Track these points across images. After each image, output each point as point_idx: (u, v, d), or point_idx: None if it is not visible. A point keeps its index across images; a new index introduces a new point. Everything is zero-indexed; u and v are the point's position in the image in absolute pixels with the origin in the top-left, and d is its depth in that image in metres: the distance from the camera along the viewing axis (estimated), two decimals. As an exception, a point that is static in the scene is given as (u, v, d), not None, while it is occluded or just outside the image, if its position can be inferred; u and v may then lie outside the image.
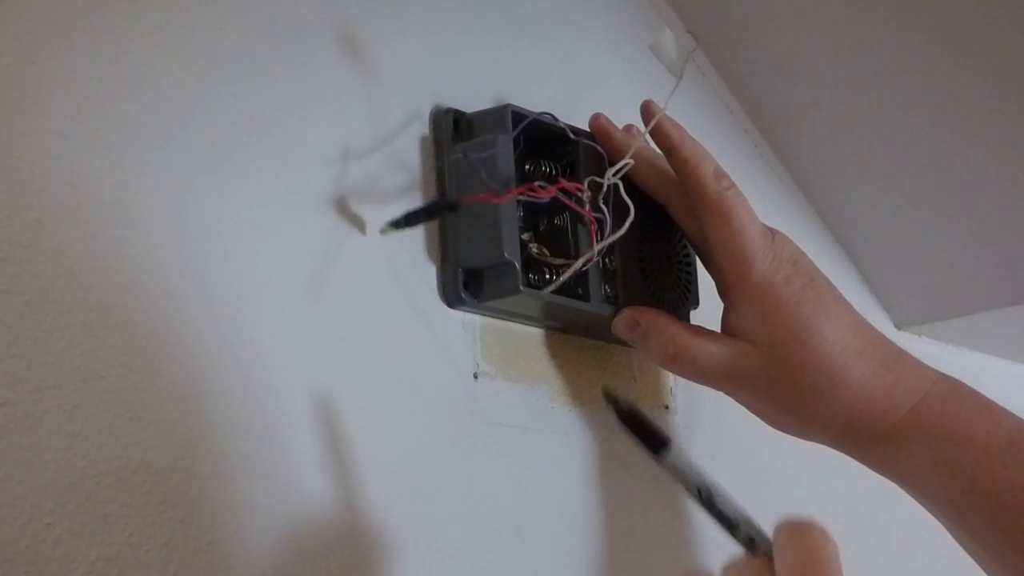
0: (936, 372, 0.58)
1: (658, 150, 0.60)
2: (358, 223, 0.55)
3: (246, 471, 0.48)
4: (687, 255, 0.64)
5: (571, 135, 0.59)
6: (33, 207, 0.42)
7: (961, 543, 0.58)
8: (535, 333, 0.62)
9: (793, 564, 0.46)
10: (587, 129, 0.61)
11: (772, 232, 0.59)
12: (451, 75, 0.62)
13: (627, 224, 0.56)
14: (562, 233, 0.58)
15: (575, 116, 0.61)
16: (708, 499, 0.47)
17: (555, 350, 0.63)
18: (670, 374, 0.68)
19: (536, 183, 0.55)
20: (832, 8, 0.75)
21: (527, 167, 0.59)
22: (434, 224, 0.58)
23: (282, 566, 0.48)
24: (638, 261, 0.62)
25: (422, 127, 0.59)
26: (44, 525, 0.40)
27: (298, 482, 0.50)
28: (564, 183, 0.56)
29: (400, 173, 0.58)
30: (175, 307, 0.46)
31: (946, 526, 0.58)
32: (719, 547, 0.73)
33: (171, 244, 0.47)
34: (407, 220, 0.54)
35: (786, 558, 0.46)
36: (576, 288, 0.58)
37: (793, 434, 0.60)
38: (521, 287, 0.56)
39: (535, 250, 0.58)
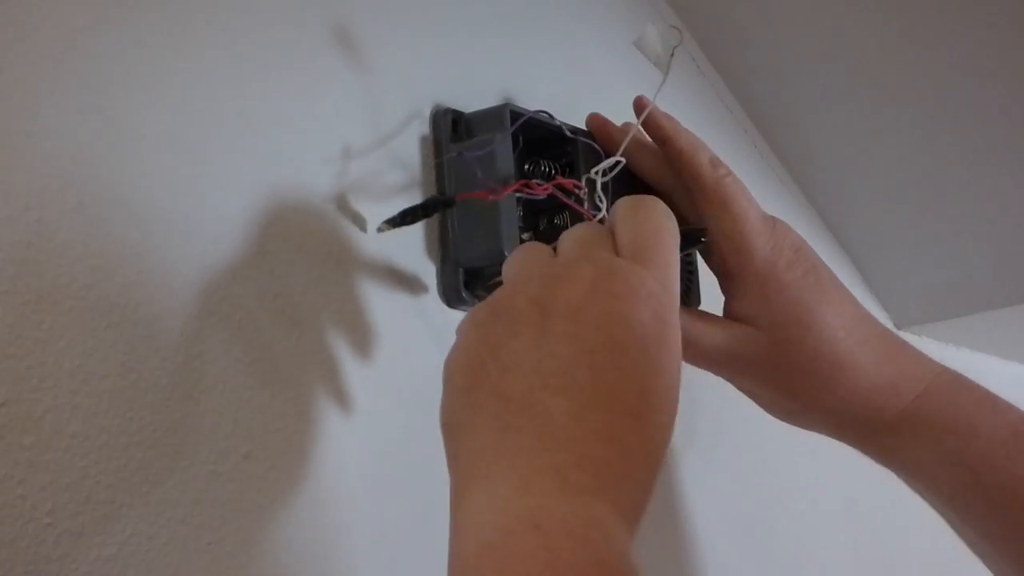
0: (939, 364, 0.58)
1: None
2: (358, 222, 0.55)
3: (246, 471, 0.48)
4: (688, 252, 0.64)
5: (568, 133, 0.59)
6: (33, 207, 0.42)
7: (963, 535, 0.58)
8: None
9: (635, 236, 0.44)
10: (585, 128, 0.61)
11: (773, 219, 0.59)
12: (451, 75, 0.62)
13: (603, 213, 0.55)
14: (562, 232, 0.58)
15: (575, 116, 0.61)
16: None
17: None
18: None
19: (533, 180, 0.55)
20: (832, 8, 0.75)
21: (526, 167, 0.59)
22: (434, 224, 0.58)
23: (282, 566, 0.48)
24: None
25: (422, 126, 0.59)
26: (44, 525, 0.40)
27: (298, 482, 0.50)
28: (561, 180, 0.56)
29: (400, 172, 0.58)
30: (175, 307, 0.46)
31: (947, 518, 0.58)
32: (711, 547, 0.73)
33: (172, 244, 0.47)
34: (403, 218, 0.54)
35: (627, 230, 0.45)
36: None
37: (794, 422, 0.60)
38: None
39: None
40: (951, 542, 0.59)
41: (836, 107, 0.82)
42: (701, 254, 0.63)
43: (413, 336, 0.57)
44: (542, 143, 0.60)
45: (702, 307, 0.64)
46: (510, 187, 0.55)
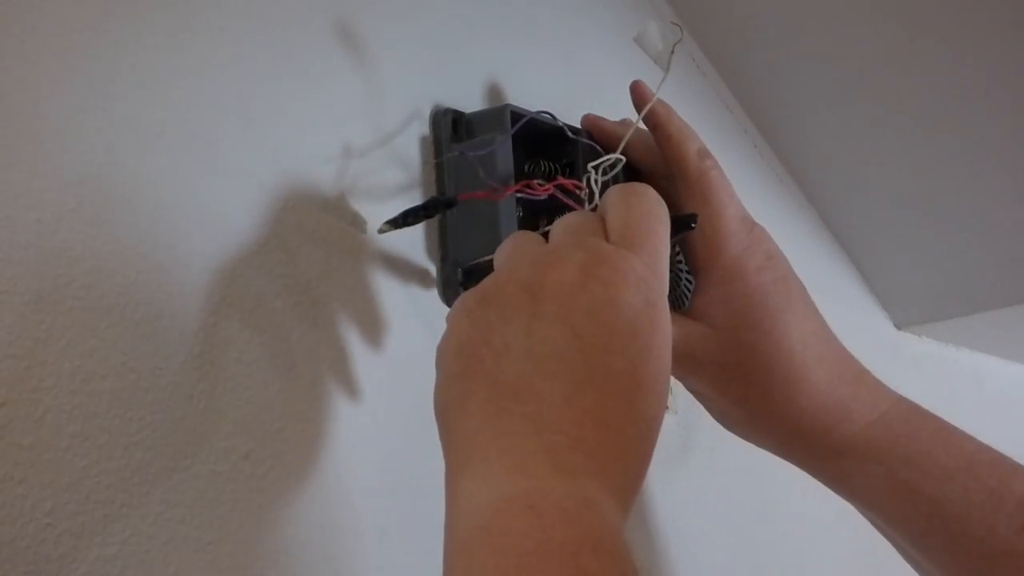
0: (896, 394, 0.57)
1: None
2: (358, 222, 0.55)
3: (247, 471, 0.48)
4: (678, 238, 0.64)
5: (569, 134, 0.59)
6: (33, 207, 0.42)
7: (915, 564, 0.57)
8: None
9: (625, 222, 0.45)
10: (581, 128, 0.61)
11: (753, 222, 0.58)
12: (451, 75, 0.62)
13: (595, 202, 0.55)
14: None
15: (575, 116, 0.61)
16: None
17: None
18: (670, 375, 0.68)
19: (535, 181, 0.55)
20: (832, 8, 0.75)
21: (527, 167, 0.59)
22: (434, 223, 0.58)
23: (282, 566, 0.48)
24: None
25: (422, 127, 0.59)
26: (44, 525, 0.40)
27: (298, 481, 0.50)
28: (562, 180, 0.56)
29: (400, 173, 0.58)
30: (175, 307, 0.46)
31: (899, 546, 0.57)
32: (711, 547, 0.73)
33: (172, 244, 0.47)
34: (404, 218, 0.54)
35: (617, 216, 0.45)
36: None
37: (740, 432, 0.58)
38: None
39: None
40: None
41: (836, 107, 0.81)
42: (679, 246, 0.62)
43: (413, 335, 0.57)
44: (543, 143, 0.59)
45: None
46: (511, 187, 0.55)
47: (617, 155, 0.54)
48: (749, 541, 0.78)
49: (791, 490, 0.82)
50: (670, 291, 0.62)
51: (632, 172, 0.60)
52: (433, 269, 0.58)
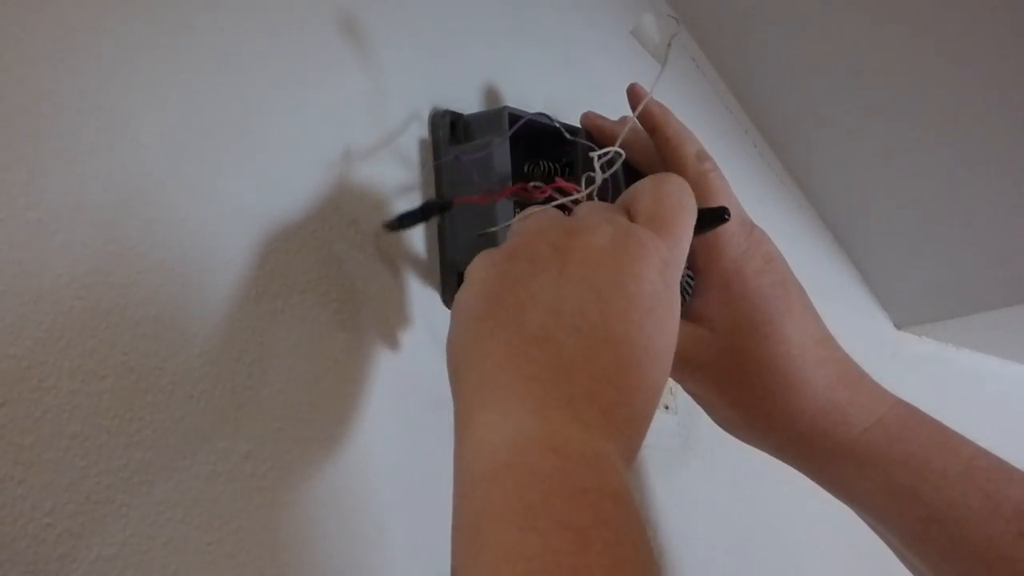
0: (894, 397, 0.57)
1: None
2: (358, 223, 0.55)
3: (246, 471, 0.48)
4: (708, 231, 0.64)
5: (567, 135, 0.59)
6: (33, 207, 0.42)
7: (912, 569, 0.57)
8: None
9: (654, 206, 0.46)
10: (580, 127, 0.61)
11: (752, 225, 0.58)
12: (451, 76, 0.62)
13: (595, 185, 0.55)
14: None
15: (574, 116, 0.61)
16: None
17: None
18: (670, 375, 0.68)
19: (532, 184, 0.55)
20: (833, 8, 0.75)
21: (526, 167, 0.59)
22: (433, 225, 0.58)
23: (282, 566, 0.48)
24: None
25: (421, 128, 0.59)
26: (44, 525, 0.40)
27: (298, 481, 0.50)
28: (560, 182, 0.56)
29: (400, 174, 0.58)
30: (175, 307, 0.46)
31: (896, 550, 0.57)
32: (711, 547, 0.73)
33: (172, 244, 0.47)
34: (401, 222, 0.54)
35: (647, 200, 0.47)
36: None
37: (738, 435, 0.59)
38: None
39: None
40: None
41: (837, 107, 0.81)
42: None
43: (413, 336, 0.57)
44: (541, 143, 0.59)
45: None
46: (508, 190, 0.55)
47: (616, 148, 0.54)
48: (749, 541, 0.78)
49: (791, 490, 0.82)
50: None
51: (632, 173, 0.60)
52: (432, 269, 0.58)
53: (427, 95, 0.60)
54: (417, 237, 0.58)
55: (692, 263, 0.58)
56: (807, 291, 0.59)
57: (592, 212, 0.47)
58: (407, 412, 0.55)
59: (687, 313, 0.58)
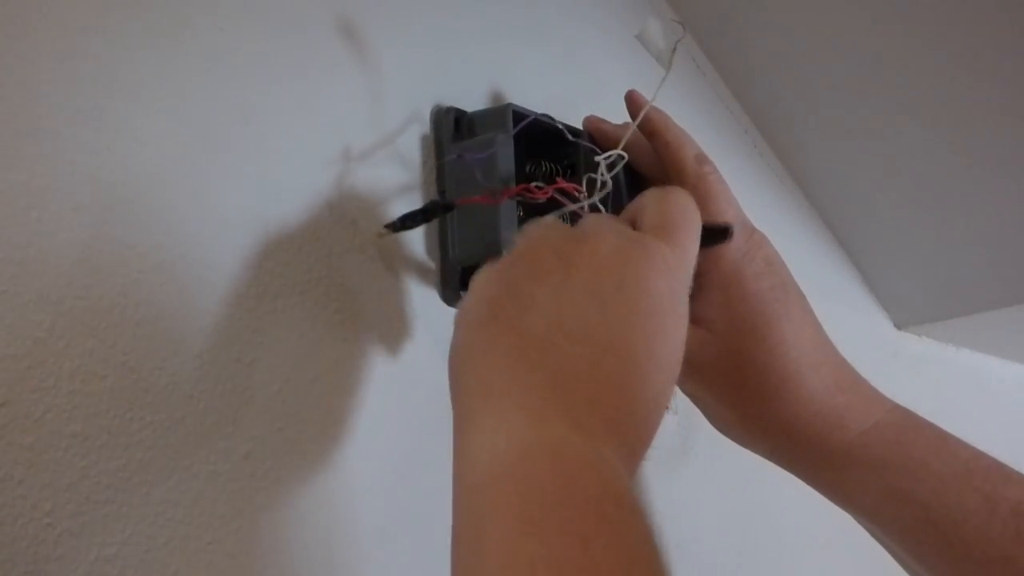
0: (891, 402, 0.57)
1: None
2: (359, 223, 0.55)
3: (246, 471, 0.48)
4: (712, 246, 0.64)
5: (569, 136, 0.59)
6: (33, 207, 0.42)
7: (911, 572, 0.57)
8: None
9: (660, 216, 0.47)
10: (583, 130, 0.61)
11: (752, 228, 0.58)
12: (451, 75, 0.62)
13: (603, 193, 0.55)
14: None
15: (575, 116, 0.61)
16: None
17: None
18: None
19: (533, 184, 0.55)
20: (832, 8, 0.75)
21: (528, 167, 0.59)
22: (434, 225, 0.58)
23: (282, 566, 0.48)
24: None
25: (422, 127, 0.59)
26: (44, 525, 0.40)
27: (298, 482, 0.50)
28: (562, 183, 0.56)
29: (401, 173, 0.58)
30: (175, 307, 0.46)
31: (894, 553, 0.57)
32: (711, 547, 0.73)
33: (172, 244, 0.47)
34: (403, 222, 0.54)
35: (653, 210, 0.47)
36: None
37: (733, 437, 0.59)
38: None
39: None
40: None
41: (836, 107, 0.81)
42: None
43: (413, 336, 0.57)
44: (544, 143, 0.59)
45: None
46: (510, 192, 0.55)
47: (619, 151, 0.55)
48: (749, 540, 0.78)
49: (791, 490, 0.82)
50: None
51: (634, 176, 0.60)
52: (432, 268, 0.58)
53: (428, 95, 0.60)
54: (417, 237, 0.58)
55: (695, 266, 0.58)
56: (807, 291, 0.59)
57: (598, 221, 0.47)
58: (407, 412, 0.55)
59: (689, 315, 0.58)
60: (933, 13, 0.71)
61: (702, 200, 0.56)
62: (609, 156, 0.54)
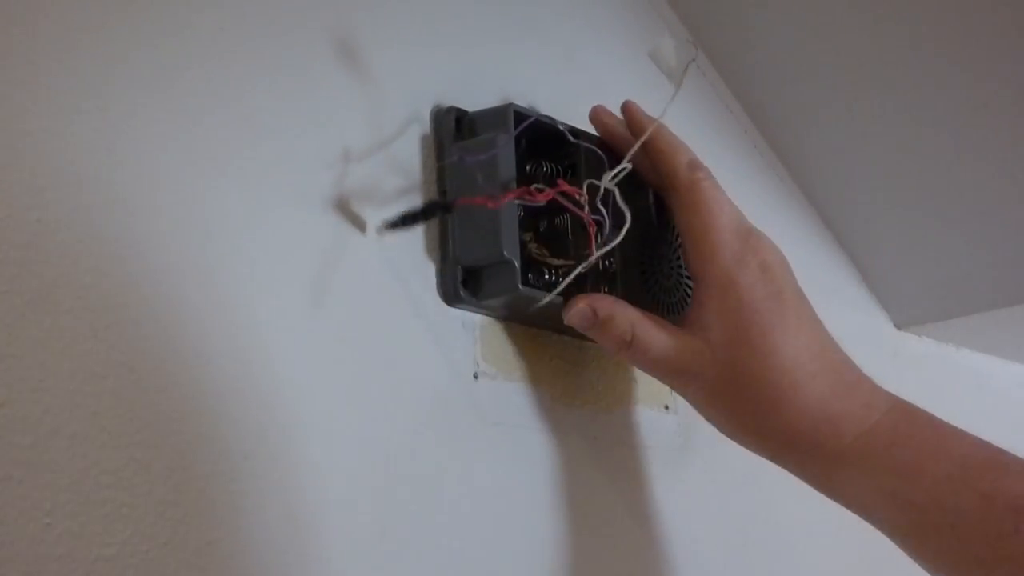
0: (891, 399, 0.57)
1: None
2: (358, 223, 0.55)
3: (246, 471, 0.47)
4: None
5: (571, 137, 0.59)
6: (33, 207, 0.42)
7: (918, 563, 0.57)
8: (536, 333, 0.62)
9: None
10: (587, 130, 0.61)
11: (751, 232, 0.58)
12: (451, 76, 0.62)
13: (623, 232, 0.55)
14: (562, 234, 0.58)
15: (575, 118, 0.61)
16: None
17: (556, 350, 0.63)
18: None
19: (534, 187, 0.55)
20: (832, 8, 0.75)
21: (528, 167, 0.59)
22: (434, 223, 0.58)
23: (282, 566, 0.48)
24: (638, 264, 0.61)
25: (422, 127, 0.59)
26: (44, 525, 0.40)
27: (298, 482, 0.49)
28: (564, 186, 0.56)
29: (400, 173, 0.58)
30: (176, 307, 0.46)
31: (901, 548, 0.57)
32: (711, 547, 0.73)
33: (172, 244, 0.47)
34: (403, 221, 0.54)
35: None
36: (574, 290, 0.58)
37: (737, 441, 0.59)
38: (520, 286, 0.56)
39: (535, 250, 0.58)
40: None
41: (836, 107, 0.81)
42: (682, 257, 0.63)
43: (413, 335, 0.57)
44: (544, 143, 0.59)
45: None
46: (510, 194, 0.55)
47: (626, 164, 0.56)
48: (749, 541, 0.78)
49: (791, 490, 0.82)
50: (669, 295, 0.62)
51: (637, 182, 0.60)
52: (432, 268, 0.58)
53: (428, 96, 0.60)
54: (417, 238, 0.58)
55: (691, 272, 0.58)
56: (807, 290, 0.59)
57: None
58: (408, 411, 0.55)
59: (684, 322, 0.58)
60: (933, 13, 0.71)
61: (694, 206, 0.57)
62: (617, 172, 0.55)
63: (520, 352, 0.61)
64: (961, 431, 0.55)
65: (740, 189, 0.60)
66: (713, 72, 0.83)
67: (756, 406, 0.56)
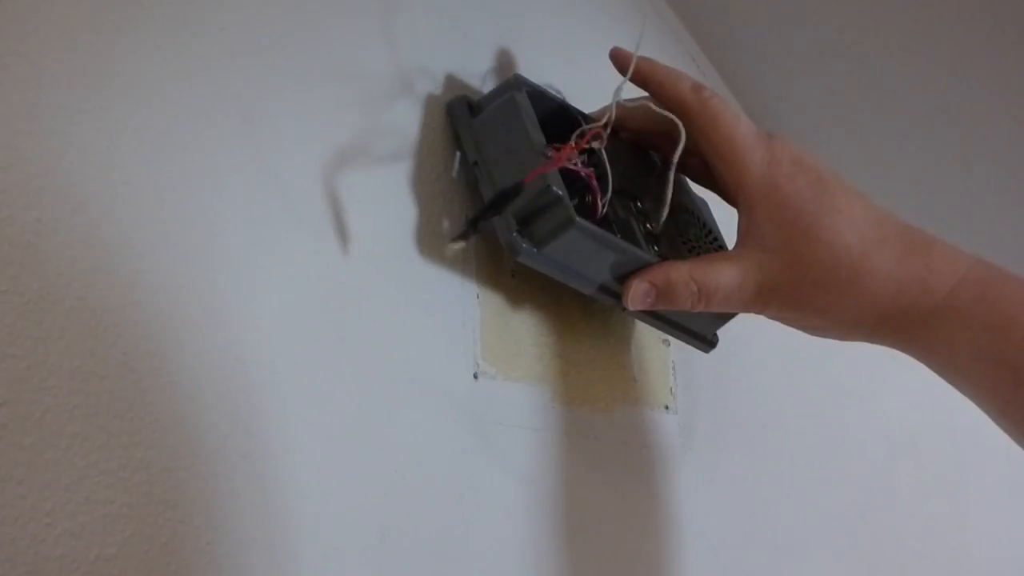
0: (972, 257, 0.56)
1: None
2: (358, 223, 0.55)
3: (246, 471, 0.48)
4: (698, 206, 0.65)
5: (573, 111, 0.60)
6: (33, 207, 0.42)
7: (1007, 432, 0.56)
8: (536, 333, 0.62)
9: None
10: (590, 115, 0.62)
11: (770, 135, 0.58)
12: (452, 77, 0.62)
13: (610, 180, 0.56)
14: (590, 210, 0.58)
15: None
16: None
17: (555, 349, 0.63)
18: (670, 374, 0.68)
19: (571, 150, 0.55)
20: (832, 8, 0.75)
21: None
22: (437, 208, 0.58)
23: (281, 566, 0.48)
24: (673, 224, 0.62)
25: (424, 127, 0.59)
26: (44, 525, 0.40)
27: (297, 483, 0.50)
28: (586, 128, 0.57)
29: (401, 172, 0.58)
30: (175, 307, 0.46)
31: (990, 415, 0.57)
32: (711, 548, 0.73)
33: (171, 243, 0.47)
34: (474, 225, 0.54)
35: None
36: (628, 246, 0.57)
37: (833, 337, 0.58)
38: (575, 218, 0.54)
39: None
40: (952, 545, 0.59)
41: (836, 107, 0.82)
42: (705, 183, 0.62)
43: (413, 336, 0.57)
44: (548, 124, 0.59)
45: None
46: (565, 149, 0.54)
47: (600, 124, 0.57)
48: (749, 540, 0.78)
49: (792, 490, 0.82)
50: (703, 248, 0.62)
51: (634, 149, 0.61)
52: (433, 270, 0.58)
53: (427, 96, 0.60)
54: (409, 236, 0.58)
55: (725, 192, 0.58)
56: None
57: None
58: (406, 411, 0.55)
59: (739, 244, 0.57)
60: (934, 13, 0.71)
61: (711, 123, 0.57)
62: (592, 126, 0.56)
63: (520, 352, 0.61)
64: None
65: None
66: (714, 72, 0.83)
67: (838, 292, 0.55)
